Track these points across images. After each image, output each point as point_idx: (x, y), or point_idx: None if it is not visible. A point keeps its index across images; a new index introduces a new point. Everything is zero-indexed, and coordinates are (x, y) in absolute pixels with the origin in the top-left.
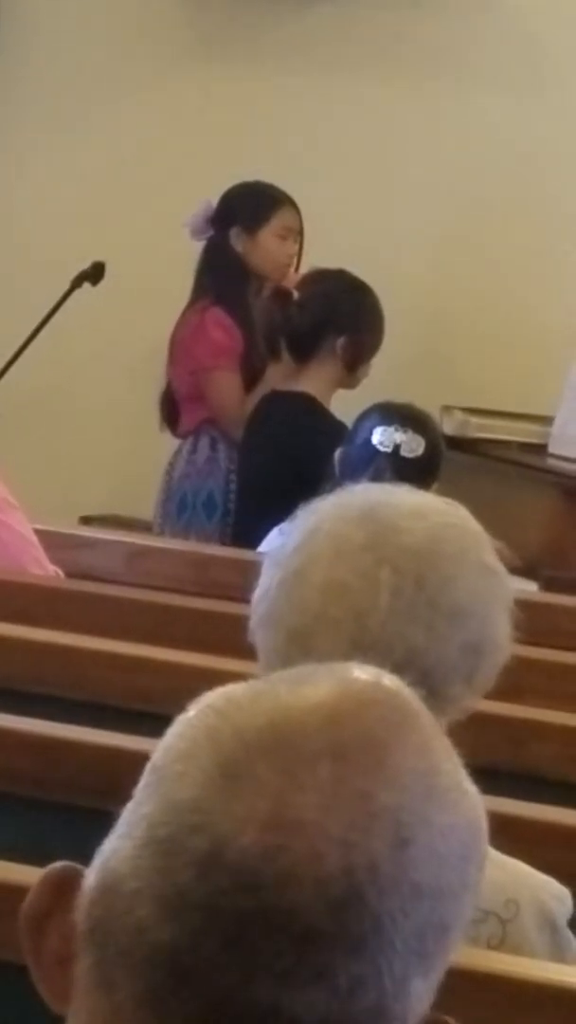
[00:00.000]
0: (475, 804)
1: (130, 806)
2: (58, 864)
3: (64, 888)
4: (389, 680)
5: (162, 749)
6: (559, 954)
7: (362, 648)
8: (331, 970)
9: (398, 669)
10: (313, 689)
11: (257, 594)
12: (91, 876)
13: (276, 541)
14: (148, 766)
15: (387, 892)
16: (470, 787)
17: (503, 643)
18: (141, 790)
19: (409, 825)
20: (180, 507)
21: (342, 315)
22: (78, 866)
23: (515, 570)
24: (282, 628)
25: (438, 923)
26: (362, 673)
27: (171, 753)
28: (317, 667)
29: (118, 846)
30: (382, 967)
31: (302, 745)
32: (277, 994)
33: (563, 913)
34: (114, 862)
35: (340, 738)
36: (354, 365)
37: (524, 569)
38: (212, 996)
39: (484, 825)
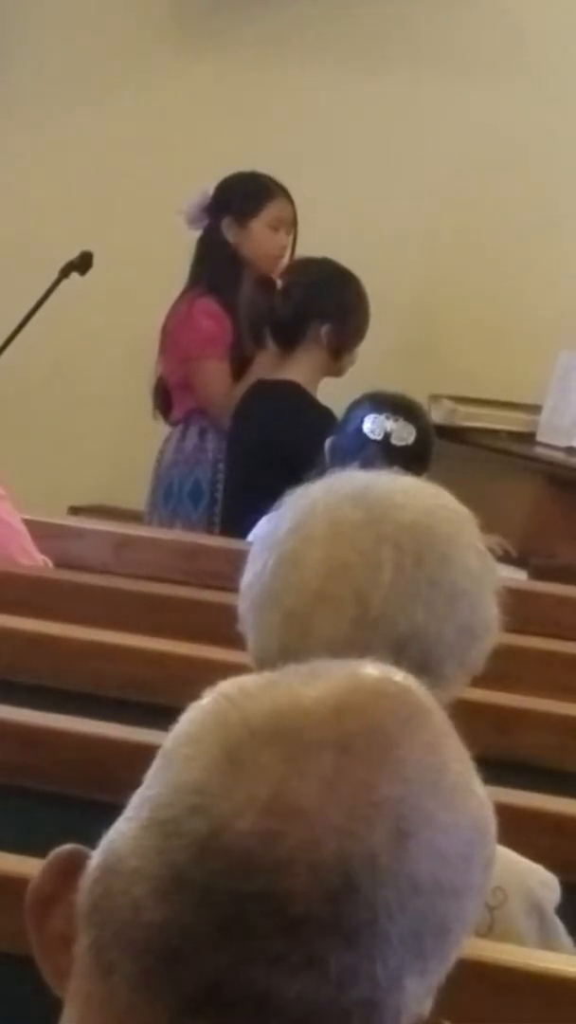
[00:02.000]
0: (483, 806)
1: (139, 790)
2: (65, 847)
3: (70, 871)
4: (401, 676)
5: (173, 734)
6: (547, 941)
7: (363, 626)
8: (323, 958)
9: (399, 646)
10: (324, 681)
11: (248, 579)
12: (95, 857)
13: (263, 529)
14: (159, 751)
15: (384, 884)
16: (480, 789)
17: (493, 626)
18: (151, 774)
19: (410, 819)
20: (167, 495)
21: (325, 303)
22: (85, 849)
23: (503, 558)
24: (278, 609)
25: (437, 922)
26: (374, 668)
27: (180, 738)
28: (331, 662)
29: (123, 828)
30: (376, 959)
31: (308, 734)
32: (268, 979)
33: (551, 900)
34: (118, 843)
35: (346, 729)
36: (339, 352)
37: (512, 557)
38: (202, 979)
39: (492, 828)
